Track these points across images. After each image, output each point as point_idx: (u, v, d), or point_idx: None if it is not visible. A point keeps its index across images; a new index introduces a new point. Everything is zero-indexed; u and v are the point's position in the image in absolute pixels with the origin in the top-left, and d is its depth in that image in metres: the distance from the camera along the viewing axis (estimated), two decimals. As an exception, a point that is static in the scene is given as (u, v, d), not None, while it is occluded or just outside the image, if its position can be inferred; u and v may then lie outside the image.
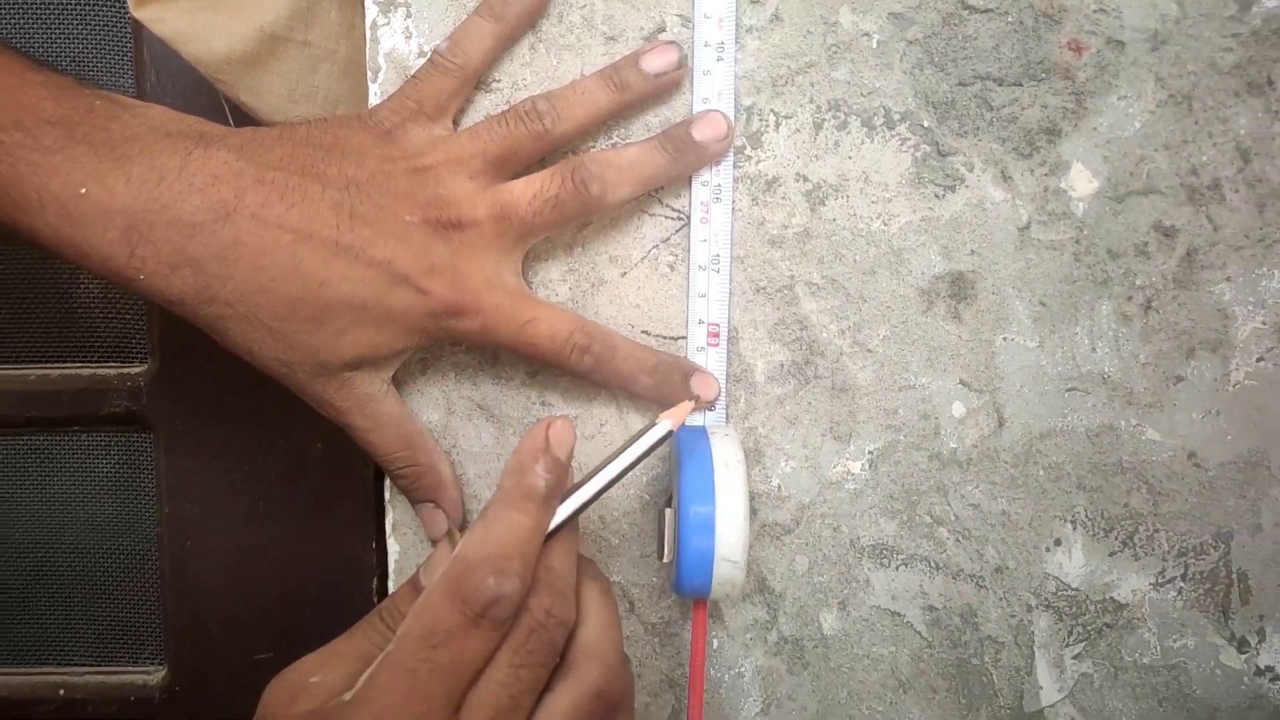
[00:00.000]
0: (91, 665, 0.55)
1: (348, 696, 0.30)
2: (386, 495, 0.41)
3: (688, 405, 0.34)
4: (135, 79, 0.52)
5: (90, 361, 0.54)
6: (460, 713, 0.29)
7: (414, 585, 0.33)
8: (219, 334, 0.34)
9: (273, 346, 0.34)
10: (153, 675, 0.55)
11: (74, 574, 0.55)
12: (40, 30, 0.52)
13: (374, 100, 0.39)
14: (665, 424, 0.34)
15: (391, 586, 0.43)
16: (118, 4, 0.52)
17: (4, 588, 0.55)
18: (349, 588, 0.54)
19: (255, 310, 0.33)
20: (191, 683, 0.55)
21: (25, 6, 0.52)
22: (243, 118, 0.49)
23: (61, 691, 0.55)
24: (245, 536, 0.54)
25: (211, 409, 0.53)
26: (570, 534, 0.32)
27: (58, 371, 0.53)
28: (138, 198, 0.32)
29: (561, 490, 0.32)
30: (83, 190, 0.31)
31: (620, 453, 0.33)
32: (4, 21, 0.52)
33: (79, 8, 0.52)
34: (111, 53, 0.52)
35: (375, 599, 0.54)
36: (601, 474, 0.33)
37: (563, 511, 0.32)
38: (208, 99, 0.50)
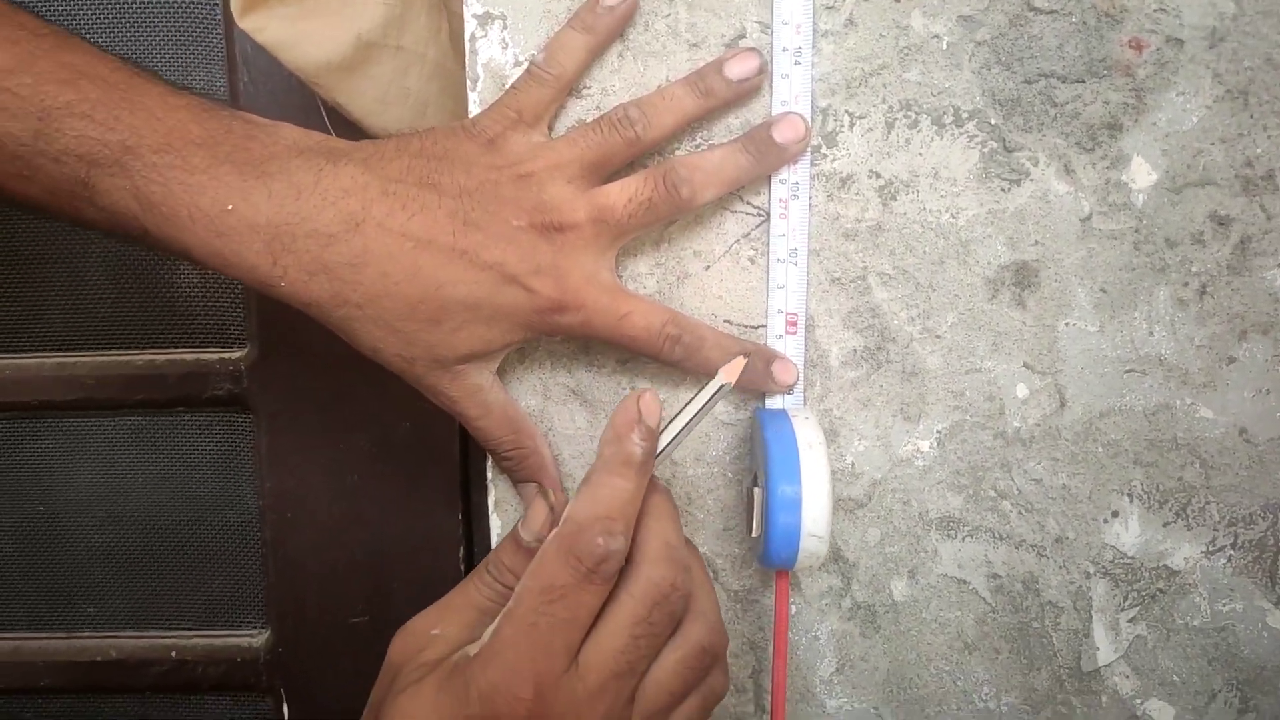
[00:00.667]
0: (199, 629, 0.60)
1: (473, 650, 0.33)
2: (489, 475, 0.44)
3: (740, 361, 0.37)
4: (228, 78, 0.55)
5: (193, 347, 0.57)
6: (577, 668, 0.32)
7: (515, 539, 0.36)
8: (347, 334, 0.37)
9: (395, 344, 0.37)
10: (256, 637, 0.59)
11: (181, 545, 0.59)
12: (135, 31, 0.55)
13: (474, 108, 0.42)
14: (720, 378, 0.36)
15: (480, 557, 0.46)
16: (209, 6, 0.55)
17: (117, 558, 0.59)
18: (435, 556, 0.58)
19: (380, 312, 0.37)
20: (292, 643, 0.59)
21: (121, 8, 0.55)
22: (337, 117, 0.52)
23: (173, 653, 0.59)
24: (339, 509, 0.57)
25: (307, 392, 0.56)
26: (675, 509, 0.36)
27: (163, 357, 0.57)
28: (279, 212, 0.35)
29: (653, 456, 0.35)
30: (229, 206, 0.35)
31: (683, 409, 0.36)
32: (100, 23, 0.55)
33: (173, 10, 0.55)
34: (205, 53, 0.55)
35: (462, 567, 0.58)
36: (670, 430, 0.36)
37: None
38: (298, 97, 0.53)
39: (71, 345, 0.57)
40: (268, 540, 0.58)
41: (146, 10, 0.54)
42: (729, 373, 0.37)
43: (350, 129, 0.51)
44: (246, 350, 0.57)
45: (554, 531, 0.33)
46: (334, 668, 0.58)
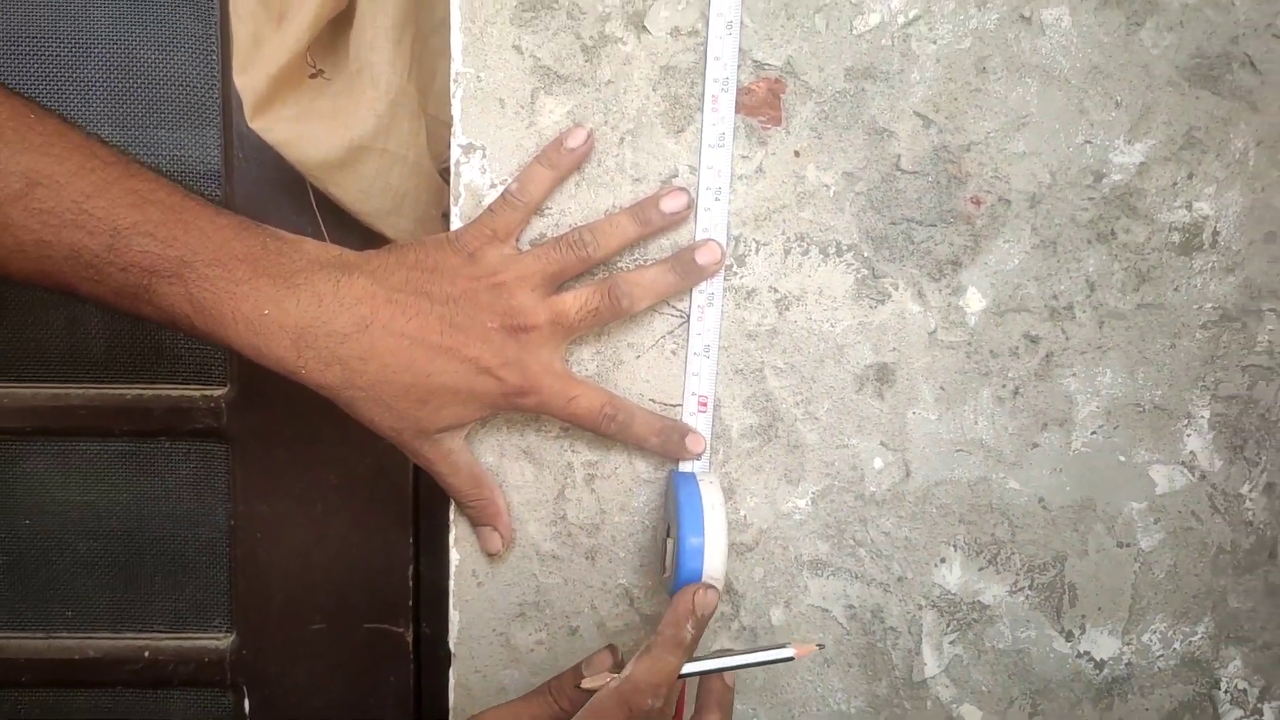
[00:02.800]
0: (171, 631, 0.67)
1: None
2: (451, 516, 0.54)
3: (811, 647, 0.47)
4: (224, 156, 0.62)
5: (178, 383, 0.65)
6: None
7: (575, 672, 0.45)
8: (351, 409, 0.46)
9: (389, 418, 0.47)
10: (222, 640, 0.67)
11: (157, 557, 0.67)
12: (141, 117, 0.62)
13: (455, 220, 0.51)
14: (790, 650, 0.46)
15: (428, 579, 0.55)
16: (208, 94, 0.63)
17: (98, 567, 0.66)
18: (388, 574, 0.67)
19: (381, 394, 0.46)
20: (255, 646, 0.67)
21: (128, 97, 0.62)
22: (324, 204, 0.60)
23: (146, 653, 0.67)
24: (303, 531, 0.66)
25: (280, 429, 0.65)
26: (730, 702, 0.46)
27: (151, 391, 0.64)
28: (304, 316, 0.44)
29: (698, 641, 0.44)
30: (265, 311, 0.43)
31: (744, 653, 0.46)
32: (111, 110, 0.62)
33: (176, 98, 0.62)
34: (203, 135, 0.63)
35: (410, 584, 0.67)
36: (724, 661, 0.46)
37: (691, 666, 0.45)
38: (285, 174, 0.61)
39: (67, 377, 0.63)
40: (237, 556, 0.66)
41: (151, 98, 0.62)
42: (799, 650, 0.46)
43: (335, 209, 0.59)
44: (228, 389, 0.64)
45: (616, 684, 0.43)
46: (292, 669, 0.67)
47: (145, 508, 0.66)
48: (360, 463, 0.65)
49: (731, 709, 0.45)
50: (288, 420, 0.64)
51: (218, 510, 0.66)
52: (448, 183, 0.52)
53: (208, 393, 0.64)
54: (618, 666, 0.45)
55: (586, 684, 0.45)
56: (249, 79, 0.54)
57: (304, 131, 0.55)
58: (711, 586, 0.45)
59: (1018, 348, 0.54)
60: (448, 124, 0.51)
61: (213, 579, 0.67)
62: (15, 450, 0.64)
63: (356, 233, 0.60)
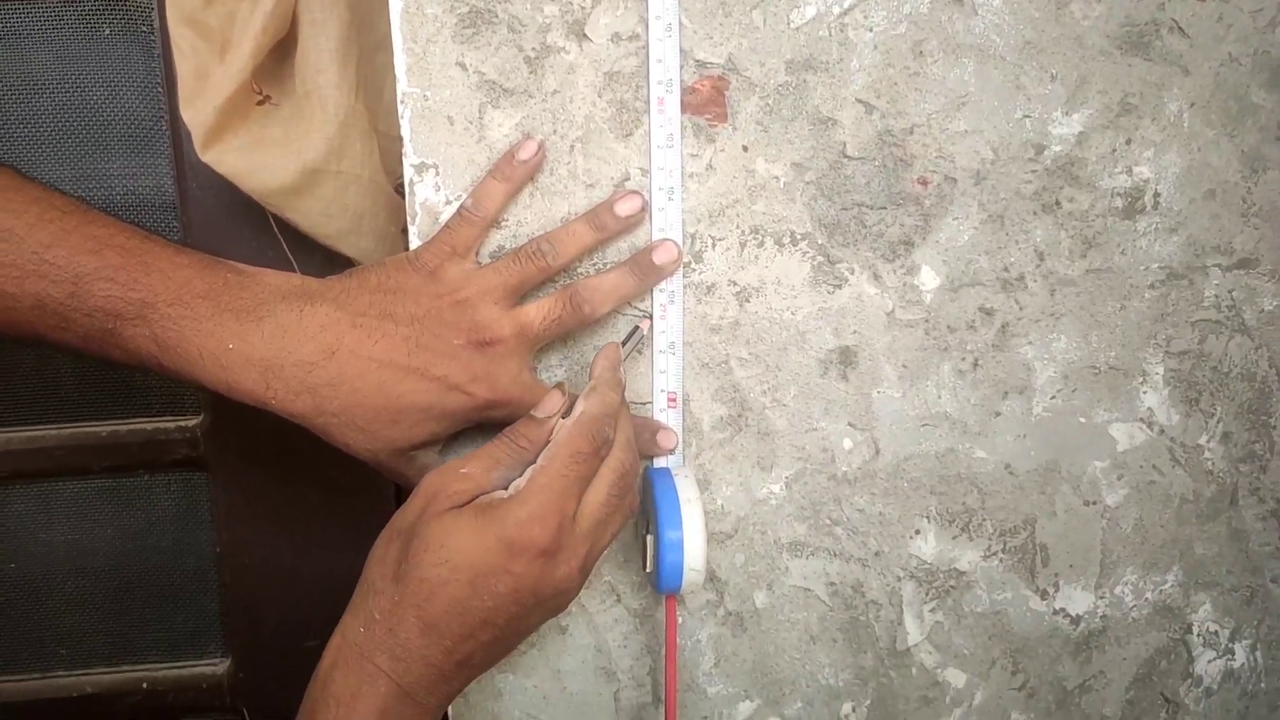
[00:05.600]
0: (167, 662, 0.68)
1: (506, 493, 0.44)
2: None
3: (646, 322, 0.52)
4: (177, 186, 0.62)
5: (152, 416, 0.65)
6: (577, 515, 0.44)
7: (530, 419, 0.46)
8: (325, 434, 0.47)
9: (363, 440, 0.47)
10: (219, 665, 0.68)
11: (147, 589, 0.67)
12: (92, 146, 0.62)
13: (414, 240, 0.52)
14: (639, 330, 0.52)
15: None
16: (157, 126, 0.63)
17: (88, 604, 0.67)
18: (377, 585, 0.67)
19: (353, 418, 0.47)
20: (251, 669, 0.68)
21: (78, 128, 0.62)
22: (284, 225, 0.60)
23: (145, 685, 0.67)
24: (291, 551, 0.67)
25: (257, 452, 0.65)
26: (628, 409, 0.49)
27: (126, 426, 0.65)
28: (270, 348, 0.44)
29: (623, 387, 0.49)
30: (230, 346, 0.44)
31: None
32: (61, 142, 0.62)
33: (125, 129, 0.62)
34: (155, 164, 0.63)
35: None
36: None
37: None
38: (243, 200, 0.61)
39: (40, 418, 0.64)
40: (225, 582, 0.66)
41: (101, 134, 0.62)
42: (644, 325, 0.52)
43: (295, 233, 0.60)
44: (201, 417, 0.65)
45: (574, 418, 0.45)
46: (290, 688, 0.67)
47: (131, 542, 0.66)
48: (341, 478, 0.66)
49: (613, 387, 0.48)
50: (264, 442, 0.65)
51: (203, 538, 0.67)
52: (404, 198, 0.53)
53: (182, 423, 0.65)
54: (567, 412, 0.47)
55: (539, 412, 0.46)
56: (196, 112, 0.54)
57: (256, 160, 0.56)
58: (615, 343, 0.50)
59: (974, 321, 0.55)
60: (399, 140, 0.52)
61: (204, 606, 0.68)
62: (-5, 496, 0.64)
63: (319, 251, 0.60)
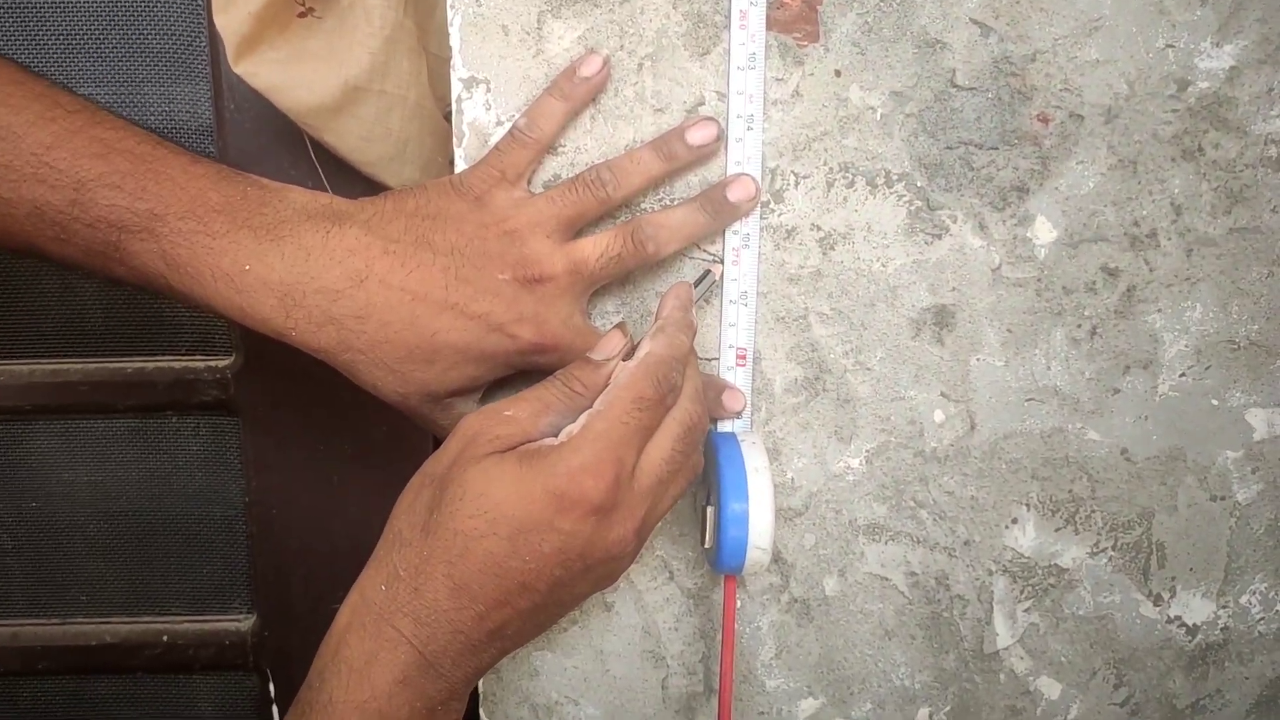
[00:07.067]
0: (189, 614, 0.64)
1: (557, 440, 0.38)
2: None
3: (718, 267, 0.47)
4: (215, 107, 0.58)
5: (181, 354, 0.61)
6: (636, 470, 0.38)
7: (586, 360, 0.40)
8: (350, 374, 0.42)
9: (393, 382, 0.42)
10: (243, 621, 0.64)
11: (171, 537, 0.63)
12: (125, 64, 0.58)
13: (460, 163, 0.46)
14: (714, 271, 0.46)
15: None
16: (196, 40, 0.58)
17: (111, 550, 0.63)
18: (412, 547, 0.63)
19: (381, 356, 0.41)
20: (277, 627, 0.64)
21: (110, 45, 0.58)
22: (322, 154, 0.55)
23: (164, 637, 0.64)
24: (320, 505, 0.62)
25: (290, 397, 0.61)
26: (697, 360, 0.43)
27: (153, 364, 0.61)
28: (291, 271, 0.39)
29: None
30: (246, 267, 0.39)
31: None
32: (90, 62, 0.58)
33: (160, 44, 0.58)
34: (192, 84, 0.58)
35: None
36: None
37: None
38: (281, 124, 0.56)
39: (65, 352, 0.60)
40: (253, 533, 0.62)
41: (135, 45, 0.57)
42: (716, 270, 0.46)
43: (334, 160, 0.55)
44: (233, 358, 0.61)
45: (639, 360, 0.40)
46: (316, 649, 0.63)
47: (156, 486, 0.62)
48: (376, 428, 0.61)
49: (684, 329, 0.42)
50: (299, 387, 0.60)
51: (231, 486, 0.63)
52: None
53: (213, 363, 0.61)
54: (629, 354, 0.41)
55: (597, 354, 0.41)
56: (230, 19, 0.49)
57: (294, 74, 0.51)
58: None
59: (1094, 282, 0.48)
60: (449, 61, 0.46)
61: (230, 558, 0.64)
62: (16, 430, 0.61)
63: (360, 186, 0.55)
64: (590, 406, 0.39)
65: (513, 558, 0.37)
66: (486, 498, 0.37)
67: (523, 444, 0.38)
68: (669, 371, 0.39)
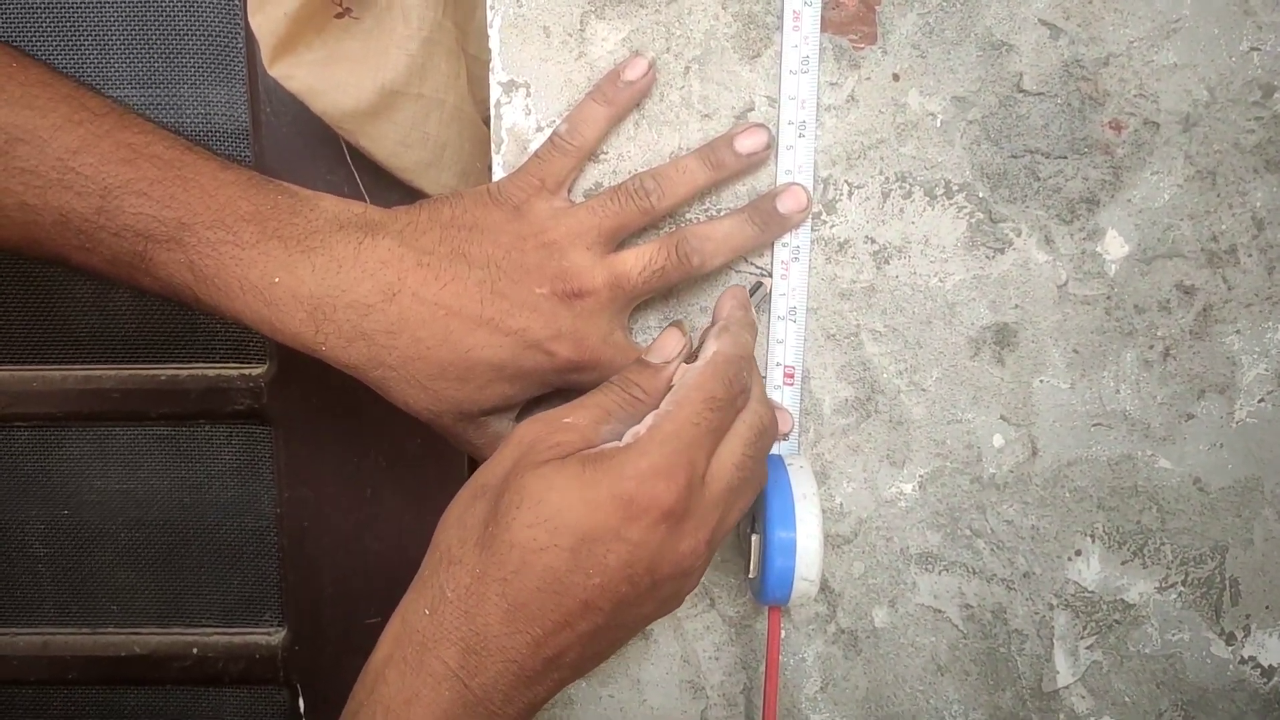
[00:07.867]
0: (219, 626, 0.63)
1: (622, 441, 0.35)
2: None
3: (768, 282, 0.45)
4: (251, 111, 0.57)
5: (214, 362, 0.60)
6: (707, 476, 0.36)
7: (644, 364, 0.38)
8: (382, 390, 0.40)
9: (425, 400, 0.40)
10: (274, 635, 0.63)
11: (202, 548, 0.62)
12: (162, 68, 0.57)
13: (498, 170, 0.44)
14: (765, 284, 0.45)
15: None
16: (233, 43, 0.57)
17: (141, 560, 0.62)
18: (445, 562, 0.61)
19: (414, 372, 0.40)
20: (308, 642, 0.62)
21: (146, 48, 0.57)
22: (360, 160, 0.54)
23: (195, 649, 0.62)
24: (355, 518, 0.61)
25: (323, 408, 0.59)
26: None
27: (186, 371, 0.60)
28: (321, 284, 0.38)
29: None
30: (276, 279, 0.37)
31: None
32: (128, 64, 0.57)
33: (197, 48, 0.57)
34: (229, 87, 0.57)
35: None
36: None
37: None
38: (318, 129, 0.55)
39: (98, 359, 0.59)
40: (285, 545, 0.61)
41: (170, 46, 0.56)
42: (766, 284, 0.45)
43: (372, 166, 0.53)
44: (266, 367, 0.59)
45: (707, 359, 0.38)
46: (348, 665, 0.62)
47: (187, 495, 0.61)
48: (411, 441, 0.59)
49: (747, 328, 0.40)
50: (333, 399, 0.59)
51: (263, 497, 0.61)
52: (492, 129, 0.45)
53: (246, 371, 0.59)
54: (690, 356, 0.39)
55: (654, 356, 0.39)
56: (265, 19, 0.47)
57: (330, 77, 0.49)
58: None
59: (1169, 301, 0.45)
60: (489, 63, 0.44)
61: (261, 570, 0.62)
62: (48, 437, 0.60)
63: (398, 193, 0.53)
64: (650, 413, 0.36)
65: (575, 572, 0.34)
66: (546, 504, 0.34)
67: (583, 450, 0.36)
68: (739, 371, 0.37)
